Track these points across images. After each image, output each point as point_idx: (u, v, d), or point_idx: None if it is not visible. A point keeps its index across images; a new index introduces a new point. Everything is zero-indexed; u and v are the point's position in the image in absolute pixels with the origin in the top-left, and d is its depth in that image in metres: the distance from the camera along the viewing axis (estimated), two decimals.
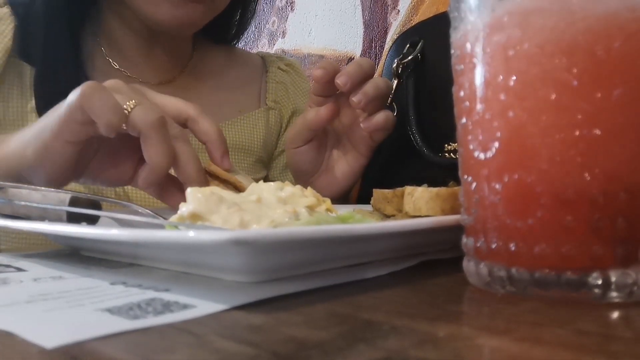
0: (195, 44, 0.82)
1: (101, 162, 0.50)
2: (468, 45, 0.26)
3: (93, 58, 0.71)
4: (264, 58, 0.89)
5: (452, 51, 0.28)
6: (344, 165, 0.65)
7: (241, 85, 0.83)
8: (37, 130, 0.47)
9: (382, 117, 0.58)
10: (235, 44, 0.89)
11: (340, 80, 0.56)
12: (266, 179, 0.84)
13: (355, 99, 0.57)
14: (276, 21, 1.49)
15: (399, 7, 1.17)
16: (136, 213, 0.42)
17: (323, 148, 0.66)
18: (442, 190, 0.36)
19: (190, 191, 0.34)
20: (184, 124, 0.50)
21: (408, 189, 0.39)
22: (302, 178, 0.67)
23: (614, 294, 0.22)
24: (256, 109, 0.82)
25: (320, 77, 0.58)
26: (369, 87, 0.57)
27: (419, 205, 0.37)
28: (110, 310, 0.22)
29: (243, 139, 0.78)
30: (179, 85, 0.76)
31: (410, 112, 0.61)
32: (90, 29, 0.72)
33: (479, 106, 0.26)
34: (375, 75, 0.61)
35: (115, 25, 0.72)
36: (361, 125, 0.59)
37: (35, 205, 0.40)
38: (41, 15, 0.67)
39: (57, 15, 0.68)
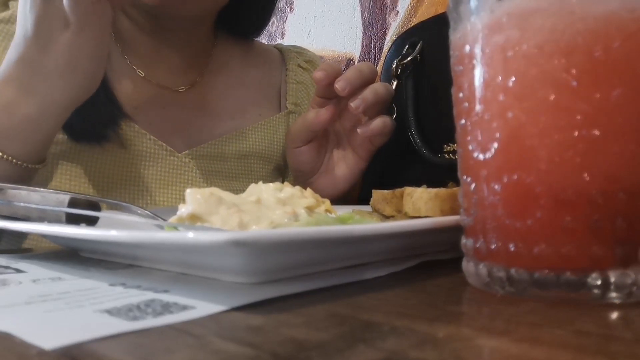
0: (215, 40, 0.78)
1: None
2: (467, 46, 0.26)
3: (110, 55, 0.67)
4: (282, 52, 0.86)
5: (451, 52, 0.29)
6: (343, 167, 0.65)
7: (261, 87, 0.80)
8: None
9: (379, 123, 0.58)
10: (255, 37, 0.85)
11: (339, 85, 0.56)
12: None
13: (353, 104, 0.57)
14: (275, 22, 1.49)
15: (397, 8, 1.17)
16: (135, 214, 0.42)
17: (323, 149, 0.66)
18: (441, 191, 0.36)
19: (189, 192, 0.34)
20: None
21: (407, 189, 0.39)
22: (301, 178, 0.67)
23: (613, 294, 0.22)
24: (276, 112, 0.79)
25: (320, 79, 0.58)
26: (368, 93, 0.57)
27: (418, 206, 0.37)
28: (109, 312, 0.22)
29: (264, 146, 0.76)
30: (199, 89, 0.73)
31: (410, 113, 0.61)
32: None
33: (478, 107, 0.26)
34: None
35: (125, 23, 0.70)
36: (358, 130, 0.59)
37: (34, 206, 0.40)
38: None
39: None
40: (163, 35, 0.70)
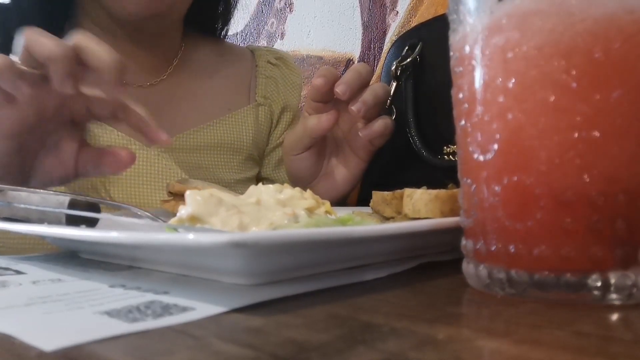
0: (184, 38, 0.81)
1: (44, 160, 0.50)
2: (467, 48, 0.26)
3: None
4: (253, 52, 0.88)
5: (451, 53, 0.29)
6: (343, 170, 0.65)
7: (231, 81, 0.82)
8: None
9: (381, 124, 0.58)
10: (225, 36, 0.88)
11: (339, 90, 0.56)
12: (258, 177, 0.83)
13: (354, 108, 0.57)
14: (275, 22, 1.49)
15: (397, 9, 1.17)
16: (135, 215, 0.42)
17: (322, 154, 0.66)
18: (441, 192, 0.36)
19: (189, 194, 0.34)
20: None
21: (407, 191, 0.39)
22: (301, 183, 0.67)
23: (613, 295, 0.22)
24: (245, 106, 0.81)
25: (321, 86, 0.58)
26: (368, 96, 0.57)
27: (418, 207, 0.37)
28: (109, 313, 0.22)
29: (232, 137, 0.78)
30: (168, 83, 0.75)
31: (409, 114, 0.61)
32: (69, 33, 0.71)
33: (478, 108, 0.26)
34: (374, 79, 0.61)
35: (93, 31, 0.70)
36: (360, 134, 0.59)
37: (34, 207, 0.40)
38: (21, 19, 0.66)
39: (37, 19, 0.67)
40: (132, 37, 0.72)
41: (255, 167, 0.82)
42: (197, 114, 0.76)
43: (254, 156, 0.82)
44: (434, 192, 0.36)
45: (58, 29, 0.69)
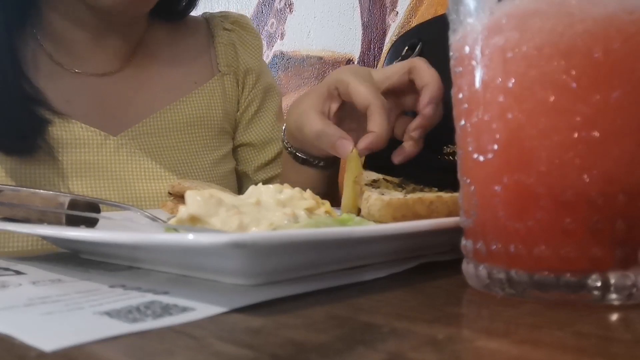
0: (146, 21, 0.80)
1: None
2: (467, 48, 0.26)
3: (36, 59, 0.69)
4: (208, 20, 0.87)
5: (451, 53, 0.29)
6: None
7: (193, 55, 0.82)
8: None
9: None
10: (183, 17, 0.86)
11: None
12: (233, 146, 0.83)
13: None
14: (275, 23, 1.49)
15: (397, 9, 1.17)
16: (135, 216, 0.42)
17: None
18: (393, 199, 0.36)
19: (189, 194, 0.34)
20: None
21: (365, 193, 0.38)
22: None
23: (613, 295, 0.22)
24: (210, 78, 0.81)
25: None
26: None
27: (372, 212, 0.37)
28: (109, 314, 0.22)
29: (202, 112, 0.78)
30: (133, 69, 0.75)
31: (409, 114, 0.61)
32: (30, 30, 0.71)
33: (478, 108, 0.26)
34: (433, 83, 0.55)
35: (59, 23, 0.70)
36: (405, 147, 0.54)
37: (34, 208, 0.40)
38: None
39: None
40: (102, 28, 0.71)
41: (229, 141, 0.82)
42: (164, 96, 0.76)
43: (226, 129, 0.81)
44: (386, 198, 0.36)
45: (21, 14, 0.69)
